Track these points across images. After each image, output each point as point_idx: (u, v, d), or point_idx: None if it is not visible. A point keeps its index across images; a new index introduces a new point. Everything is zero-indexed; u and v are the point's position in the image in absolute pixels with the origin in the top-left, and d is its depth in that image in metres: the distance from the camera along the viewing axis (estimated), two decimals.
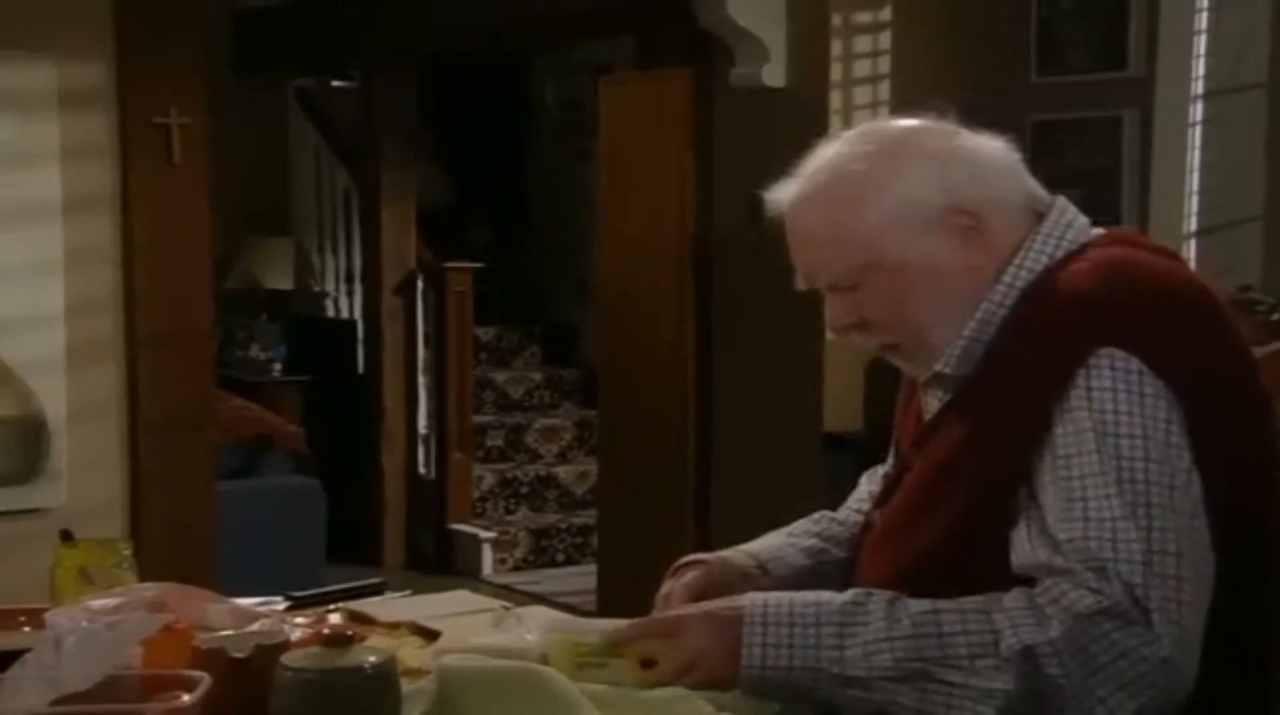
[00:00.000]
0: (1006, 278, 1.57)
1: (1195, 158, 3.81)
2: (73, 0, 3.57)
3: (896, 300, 1.59)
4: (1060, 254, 1.58)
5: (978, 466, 1.51)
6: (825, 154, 1.63)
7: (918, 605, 1.46)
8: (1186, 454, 1.45)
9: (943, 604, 1.45)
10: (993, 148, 1.63)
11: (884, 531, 1.65)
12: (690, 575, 1.72)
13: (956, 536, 1.52)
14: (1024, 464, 1.48)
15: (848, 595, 1.49)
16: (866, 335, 1.64)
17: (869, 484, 1.89)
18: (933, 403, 1.66)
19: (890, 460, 1.82)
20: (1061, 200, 1.64)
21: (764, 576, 1.74)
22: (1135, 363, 1.45)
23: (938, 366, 1.60)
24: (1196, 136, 3.77)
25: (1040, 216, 1.62)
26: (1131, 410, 1.44)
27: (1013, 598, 1.44)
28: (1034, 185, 1.64)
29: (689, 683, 1.47)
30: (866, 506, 1.84)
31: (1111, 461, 1.43)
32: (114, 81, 3.62)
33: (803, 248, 1.63)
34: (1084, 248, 1.58)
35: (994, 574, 1.47)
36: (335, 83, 7.57)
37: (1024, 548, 1.47)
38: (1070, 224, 1.61)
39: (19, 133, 3.50)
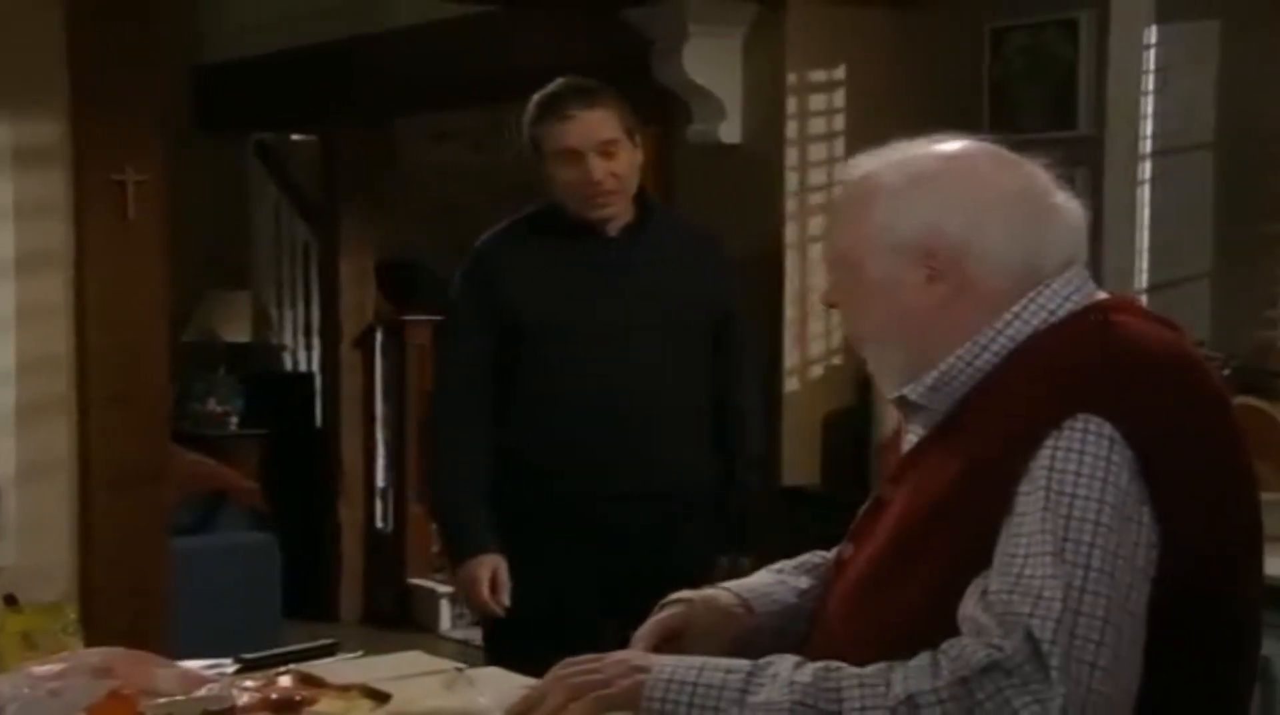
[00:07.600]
0: (998, 324, 1.58)
1: (1145, 215, 3.86)
2: (27, 57, 3.56)
3: (849, 298, 1.67)
4: (1062, 313, 1.58)
5: (957, 519, 1.51)
6: (905, 148, 1.66)
7: (823, 663, 1.48)
8: (1145, 529, 1.45)
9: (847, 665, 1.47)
10: (1065, 209, 1.61)
11: (859, 578, 1.63)
12: (667, 613, 1.72)
13: (936, 591, 1.49)
14: (995, 522, 1.47)
15: (761, 660, 1.49)
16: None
17: None
18: (910, 438, 1.68)
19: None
20: (1082, 269, 1.63)
21: (749, 615, 1.73)
22: (1109, 429, 1.45)
23: (905, 390, 1.62)
24: (1145, 194, 3.82)
25: (1046, 278, 1.60)
26: (1094, 474, 1.44)
27: (919, 656, 1.44)
28: (1062, 254, 1.60)
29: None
30: None
31: (1060, 521, 1.42)
32: (69, 138, 3.60)
33: (828, 214, 1.75)
34: (1085, 310, 1.58)
35: None
36: (295, 136, 7.57)
37: (965, 601, 1.47)
38: (1079, 288, 1.60)
39: None
